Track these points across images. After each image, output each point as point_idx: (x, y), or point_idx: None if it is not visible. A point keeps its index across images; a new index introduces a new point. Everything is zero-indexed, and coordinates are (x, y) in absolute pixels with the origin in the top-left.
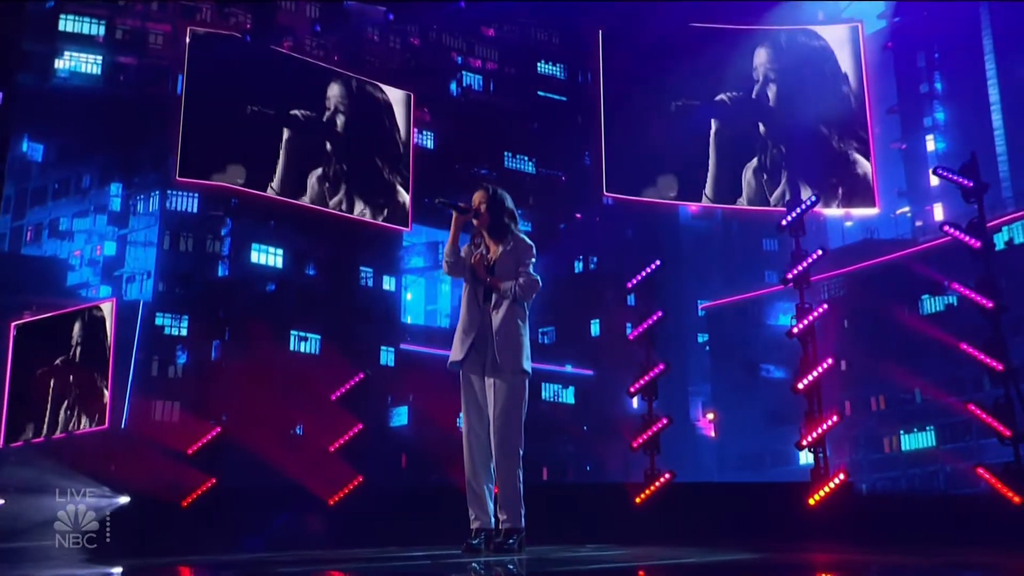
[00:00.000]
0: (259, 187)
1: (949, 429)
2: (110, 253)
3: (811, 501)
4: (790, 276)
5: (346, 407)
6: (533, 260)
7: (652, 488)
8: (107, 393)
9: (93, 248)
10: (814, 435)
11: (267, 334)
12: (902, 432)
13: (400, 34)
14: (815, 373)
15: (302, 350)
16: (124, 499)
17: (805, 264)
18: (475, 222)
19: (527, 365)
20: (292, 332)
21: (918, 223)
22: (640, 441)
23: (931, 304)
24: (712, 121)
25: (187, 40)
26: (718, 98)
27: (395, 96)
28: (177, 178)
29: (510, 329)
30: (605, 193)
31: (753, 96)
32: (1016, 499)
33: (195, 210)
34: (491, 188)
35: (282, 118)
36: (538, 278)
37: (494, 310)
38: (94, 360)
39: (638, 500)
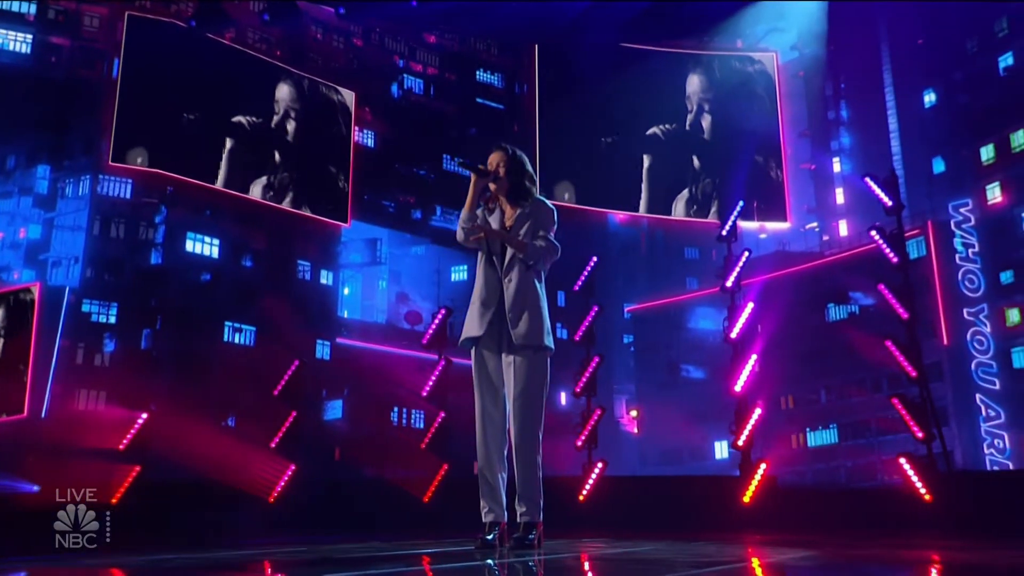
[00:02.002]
0: (199, 178)
1: (850, 427)
2: (35, 236)
3: (746, 498)
4: (728, 283)
5: (280, 398)
6: (555, 227)
7: (591, 481)
8: (27, 380)
9: (16, 230)
10: (747, 433)
11: (201, 324)
12: (808, 430)
13: (343, 34)
14: (747, 374)
15: (236, 341)
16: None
17: (738, 268)
18: (492, 186)
19: (549, 340)
20: (227, 323)
21: (825, 237)
22: (583, 438)
23: (836, 312)
24: (644, 157)
25: (124, 24)
26: (650, 132)
27: (348, 96)
28: (110, 163)
29: (529, 300)
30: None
31: (687, 127)
32: (928, 497)
33: (128, 196)
34: (510, 149)
35: (227, 113)
36: (558, 245)
37: (507, 279)
38: (17, 345)
39: (581, 498)
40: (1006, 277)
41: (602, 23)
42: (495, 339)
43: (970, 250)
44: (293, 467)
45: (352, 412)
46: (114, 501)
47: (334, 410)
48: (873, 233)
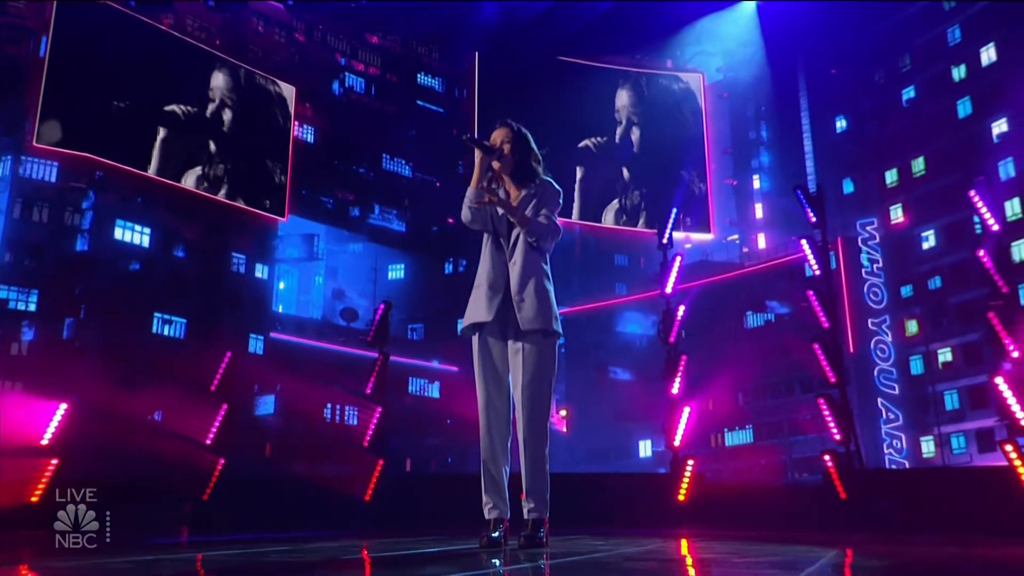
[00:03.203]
0: (130, 164)
1: (765, 428)
2: None
3: (680, 496)
4: (668, 289)
5: (212, 392)
6: (558, 207)
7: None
8: None
9: None
10: (682, 433)
11: (128, 315)
12: (726, 430)
13: (286, 28)
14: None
15: (166, 333)
16: None
17: (674, 274)
18: (495, 164)
19: (558, 325)
20: (156, 314)
21: (744, 249)
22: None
23: (753, 319)
24: (577, 168)
25: (54, 2)
26: (583, 144)
27: (287, 91)
28: (34, 143)
29: (536, 282)
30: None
31: (617, 140)
32: (843, 494)
33: (54, 179)
34: (515, 126)
35: (160, 99)
36: (560, 226)
37: (512, 261)
38: None
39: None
40: (906, 291)
41: (541, 35)
42: (500, 325)
43: (875, 265)
44: (222, 462)
45: (284, 408)
46: (35, 500)
47: (266, 406)
48: (804, 243)
